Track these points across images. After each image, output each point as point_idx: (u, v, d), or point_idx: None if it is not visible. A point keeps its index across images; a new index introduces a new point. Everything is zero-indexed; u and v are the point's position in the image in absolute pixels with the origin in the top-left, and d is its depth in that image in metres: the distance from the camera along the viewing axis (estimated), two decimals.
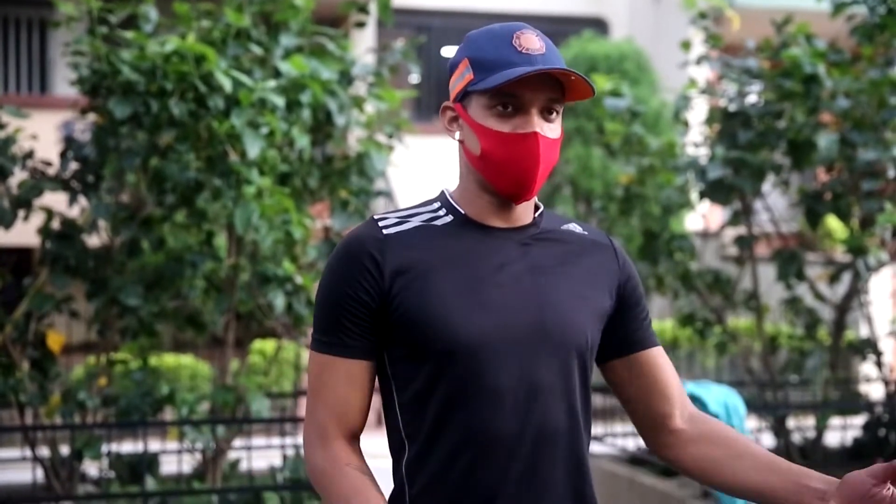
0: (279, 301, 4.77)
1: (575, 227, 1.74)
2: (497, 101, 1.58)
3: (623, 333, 1.73)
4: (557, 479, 1.60)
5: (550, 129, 1.60)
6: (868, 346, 6.26)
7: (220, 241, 5.33)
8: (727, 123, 6.05)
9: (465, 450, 1.56)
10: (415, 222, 1.65)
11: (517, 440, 1.57)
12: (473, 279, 1.59)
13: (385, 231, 1.62)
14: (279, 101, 4.55)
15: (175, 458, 5.38)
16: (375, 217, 1.66)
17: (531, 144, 1.57)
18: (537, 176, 1.59)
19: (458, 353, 1.56)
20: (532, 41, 1.59)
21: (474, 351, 1.56)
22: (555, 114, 1.61)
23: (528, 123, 1.58)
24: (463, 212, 1.66)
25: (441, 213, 1.67)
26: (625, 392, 1.78)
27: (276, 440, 5.99)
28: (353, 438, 1.65)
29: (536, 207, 1.72)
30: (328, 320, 1.61)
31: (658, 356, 1.76)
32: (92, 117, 4.97)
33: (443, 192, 1.72)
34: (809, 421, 6.35)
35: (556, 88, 1.59)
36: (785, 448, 6.10)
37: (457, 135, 1.67)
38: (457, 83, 1.64)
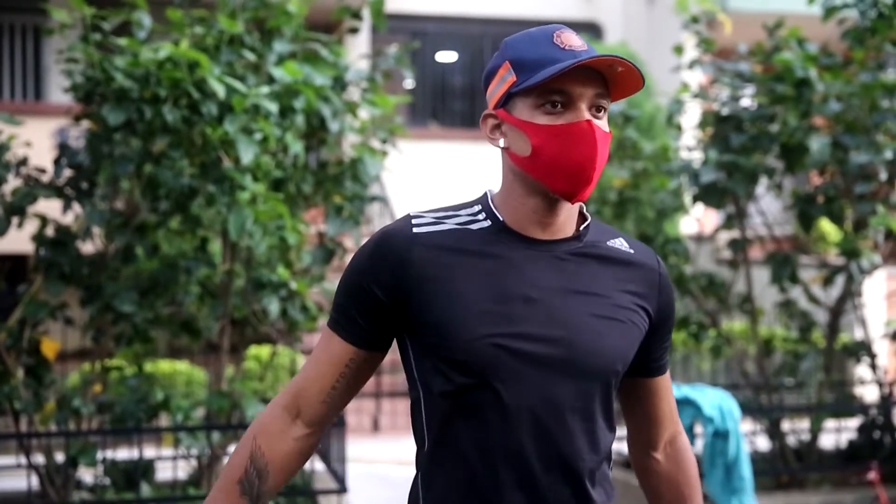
0: (274, 307, 4.78)
1: (621, 244, 1.66)
2: (545, 98, 1.52)
3: (642, 357, 1.68)
4: (569, 501, 1.56)
5: (601, 124, 1.54)
6: (862, 349, 6.27)
7: (215, 247, 5.33)
8: (720, 127, 6.07)
9: (478, 464, 1.54)
10: (450, 224, 1.60)
11: (531, 460, 1.54)
12: (501, 292, 1.54)
13: (416, 230, 1.58)
14: (273, 107, 4.55)
15: (170, 464, 5.37)
16: (412, 214, 1.62)
17: (587, 133, 1.51)
18: (595, 166, 1.52)
19: (476, 366, 1.53)
20: (573, 39, 1.55)
21: (493, 366, 1.52)
22: (602, 111, 1.55)
23: (579, 116, 1.52)
24: (501, 218, 1.60)
25: (479, 216, 1.61)
26: (624, 406, 1.81)
27: None
28: (301, 419, 1.65)
29: (584, 219, 1.65)
30: (339, 300, 1.63)
31: (662, 383, 1.77)
32: (86, 124, 4.97)
33: (485, 195, 1.65)
34: (804, 423, 6.36)
35: (602, 84, 1.54)
36: (780, 451, 6.11)
37: (501, 142, 1.60)
38: (497, 88, 1.58)
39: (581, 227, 1.64)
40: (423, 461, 1.61)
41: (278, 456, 1.64)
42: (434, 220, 1.61)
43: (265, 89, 4.62)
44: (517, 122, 1.56)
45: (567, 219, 1.61)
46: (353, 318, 1.60)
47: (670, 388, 1.79)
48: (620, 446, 5.98)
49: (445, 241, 1.58)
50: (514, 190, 1.60)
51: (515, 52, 1.56)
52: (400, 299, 1.56)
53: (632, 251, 1.67)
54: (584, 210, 1.66)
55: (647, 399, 1.76)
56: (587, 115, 1.53)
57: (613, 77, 1.55)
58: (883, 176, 5.87)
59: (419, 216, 1.61)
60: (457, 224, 1.60)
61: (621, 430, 1.91)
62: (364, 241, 1.66)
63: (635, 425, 1.81)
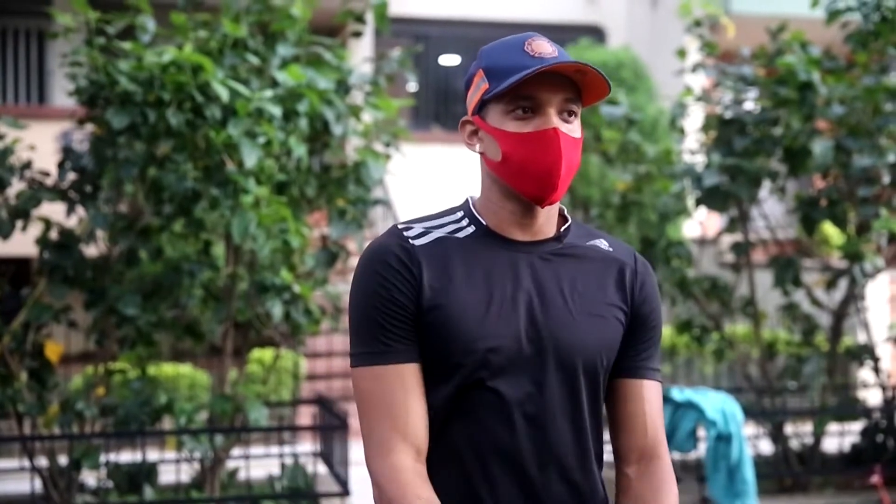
0: (277, 310, 4.78)
1: (601, 243, 1.71)
2: (514, 105, 1.57)
3: (622, 355, 1.68)
4: (562, 498, 1.59)
5: (570, 130, 1.59)
6: (865, 352, 6.26)
7: (218, 250, 5.34)
8: (723, 131, 6.07)
9: (473, 463, 1.57)
10: (437, 234, 1.63)
11: (525, 458, 1.57)
12: (489, 294, 1.58)
13: (412, 241, 1.61)
14: (276, 110, 4.56)
15: (173, 467, 5.38)
16: (399, 226, 1.64)
17: (552, 140, 1.56)
18: (561, 173, 1.57)
19: (471, 369, 1.56)
20: (544, 46, 1.59)
21: (486, 367, 1.56)
22: (573, 116, 1.60)
23: (546, 122, 1.57)
24: (485, 223, 1.65)
25: (463, 223, 1.66)
26: (607, 411, 1.77)
27: (274, 449, 6.00)
28: (419, 455, 1.57)
29: (565, 220, 1.70)
30: (366, 329, 1.58)
31: (643, 390, 1.69)
32: (90, 128, 4.98)
33: (467, 201, 1.70)
34: (807, 427, 6.35)
35: (571, 89, 1.59)
36: (783, 454, 6.11)
37: (477, 147, 1.65)
38: (473, 96, 1.64)
39: (562, 229, 1.68)
40: None
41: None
42: (423, 230, 1.64)
43: (269, 93, 4.63)
44: (489, 129, 1.61)
45: (547, 220, 1.66)
46: (394, 335, 1.57)
47: (653, 401, 1.70)
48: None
49: (437, 250, 1.61)
50: (493, 194, 1.65)
51: (488, 61, 1.62)
52: (418, 304, 1.58)
53: (611, 249, 1.71)
54: (565, 212, 1.71)
55: (623, 403, 1.69)
56: (555, 122, 1.57)
57: (583, 82, 1.59)
58: (886, 179, 5.87)
59: (407, 227, 1.64)
60: (444, 233, 1.64)
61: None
62: (365, 244, 1.66)
63: (612, 431, 1.74)
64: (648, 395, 1.70)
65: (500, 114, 1.59)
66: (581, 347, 1.61)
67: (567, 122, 1.59)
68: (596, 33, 12.34)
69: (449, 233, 1.64)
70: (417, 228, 1.64)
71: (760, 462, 6.02)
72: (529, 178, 1.58)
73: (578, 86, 1.60)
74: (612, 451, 1.74)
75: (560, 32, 12.09)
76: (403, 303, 1.57)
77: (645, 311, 1.70)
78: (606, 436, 1.69)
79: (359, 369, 1.59)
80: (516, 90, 1.56)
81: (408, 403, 1.56)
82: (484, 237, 1.63)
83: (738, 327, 8.24)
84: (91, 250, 5.03)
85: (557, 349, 1.59)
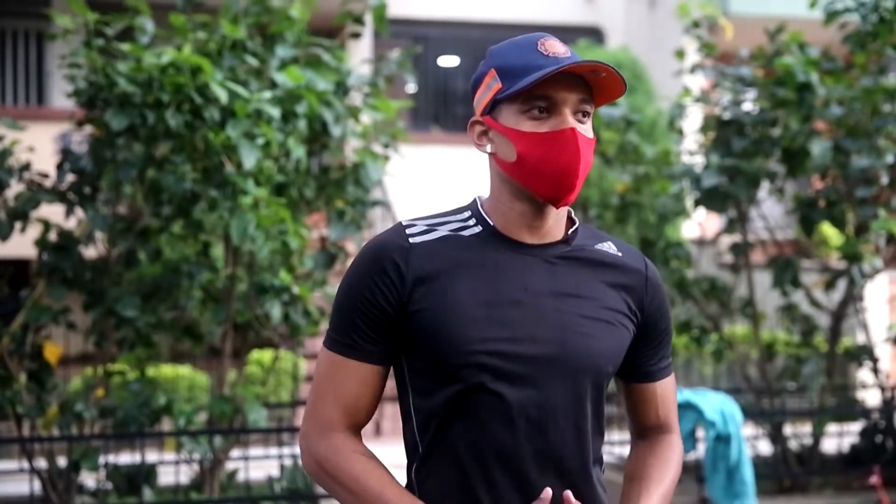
0: (276, 311, 4.78)
1: (609, 247, 1.69)
2: (530, 104, 1.56)
3: (631, 362, 1.70)
4: (561, 501, 1.58)
5: (585, 130, 1.58)
6: (864, 353, 6.27)
7: (217, 251, 5.34)
8: (722, 131, 6.08)
9: (472, 465, 1.57)
10: (442, 231, 1.62)
11: (522, 459, 1.57)
12: (494, 296, 1.57)
13: (411, 239, 1.60)
14: (275, 111, 4.57)
15: (173, 468, 5.38)
16: (404, 223, 1.63)
17: (570, 140, 1.55)
18: (579, 172, 1.56)
19: (471, 370, 1.55)
20: (556, 46, 1.58)
21: (487, 369, 1.55)
22: (587, 116, 1.58)
23: (563, 122, 1.55)
24: (492, 223, 1.63)
25: (470, 223, 1.64)
26: (621, 396, 1.83)
27: (273, 450, 6.01)
28: (357, 431, 1.63)
29: (572, 222, 1.68)
30: (344, 321, 1.60)
31: (657, 387, 1.75)
32: (89, 129, 4.98)
33: (475, 201, 1.68)
34: (806, 428, 6.36)
35: (585, 90, 1.58)
36: (782, 455, 6.11)
37: (488, 148, 1.63)
38: (484, 95, 1.62)
39: (570, 231, 1.67)
40: (416, 464, 1.63)
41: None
42: (426, 227, 1.63)
43: (267, 94, 4.63)
44: (503, 129, 1.59)
45: (555, 223, 1.64)
46: (365, 334, 1.59)
47: (666, 392, 1.76)
48: (623, 451, 6.00)
49: (439, 248, 1.60)
50: (503, 195, 1.63)
51: (501, 60, 1.60)
52: (402, 308, 1.58)
53: (619, 254, 1.69)
54: (573, 214, 1.69)
55: (639, 402, 1.76)
56: (571, 122, 1.56)
57: (597, 82, 1.58)
58: (884, 180, 5.87)
59: (411, 224, 1.63)
60: (449, 231, 1.63)
61: (611, 436, 1.92)
62: (364, 245, 1.65)
63: (628, 419, 1.82)
64: (663, 391, 1.76)
65: (514, 114, 1.57)
66: (586, 352, 1.60)
67: (581, 122, 1.58)
68: (594, 34, 12.35)
69: (453, 230, 1.62)
70: (421, 226, 1.63)
71: (759, 463, 6.02)
72: (546, 178, 1.56)
73: (591, 86, 1.59)
74: (629, 430, 1.82)
75: (559, 33, 12.02)
76: (385, 308, 1.57)
77: (657, 318, 1.71)
78: (607, 437, 1.71)
79: (325, 350, 1.63)
80: (532, 90, 1.55)
81: (357, 395, 1.61)
82: (490, 238, 1.62)
83: (737, 328, 8.24)
84: (90, 252, 5.03)
85: (563, 353, 1.58)
